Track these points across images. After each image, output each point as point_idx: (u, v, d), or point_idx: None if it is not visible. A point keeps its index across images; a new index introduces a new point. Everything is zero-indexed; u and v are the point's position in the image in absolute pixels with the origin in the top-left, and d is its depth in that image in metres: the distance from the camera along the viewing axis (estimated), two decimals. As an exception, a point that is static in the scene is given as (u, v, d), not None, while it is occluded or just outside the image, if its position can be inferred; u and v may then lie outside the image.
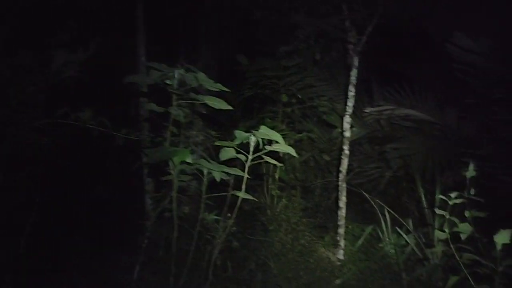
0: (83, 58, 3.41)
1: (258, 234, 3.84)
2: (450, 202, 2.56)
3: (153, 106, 2.98)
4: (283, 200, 4.15)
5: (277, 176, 4.38)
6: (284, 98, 4.46)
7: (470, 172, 2.55)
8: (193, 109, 3.43)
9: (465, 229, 2.47)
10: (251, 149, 2.80)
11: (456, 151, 3.74)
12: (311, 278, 3.49)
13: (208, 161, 2.96)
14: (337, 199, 3.88)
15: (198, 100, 2.95)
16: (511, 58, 3.82)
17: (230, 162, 2.92)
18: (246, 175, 2.82)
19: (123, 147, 3.20)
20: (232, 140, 2.85)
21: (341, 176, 3.78)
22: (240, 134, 2.82)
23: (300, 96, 4.46)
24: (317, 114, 4.65)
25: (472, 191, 2.76)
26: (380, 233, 3.77)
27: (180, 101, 2.95)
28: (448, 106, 4.10)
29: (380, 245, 3.72)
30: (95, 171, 4.38)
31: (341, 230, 3.73)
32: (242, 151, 2.83)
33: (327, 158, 4.62)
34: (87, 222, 3.89)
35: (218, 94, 3.05)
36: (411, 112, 4.08)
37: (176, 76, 2.86)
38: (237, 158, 2.85)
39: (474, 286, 2.20)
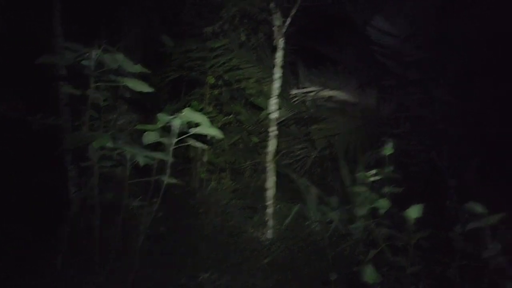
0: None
1: (188, 218, 3.80)
2: (369, 179, 2.67)
3: (70, 89, 2.81)
4: (212, 183, 4.13)
5: (205, 159, 4.35)
6: (211, 80, 4.41)
7: (388, 150, 2.67)
8: (115, 92, 3.29)
9: (382, 204, 2.58)
10: (175, 132, 2.73)
11: (376, 130, 3.92)
12: (241, 259, 3.53)
13: (132, 146, 2.85)
14: (265, 180, 3.93)
15: (117, 82, 2.82)
16: (426, 41, 4.05)
17: (157, 147, 2.84)
18: (170, 159, 2.75)
19: (42, 132, 3.00)
20: (155, 124, 2.76)
21: (269, 157, 3.82)
22: (163, 117, 2.74)
23: (227, 78, 4.42)
24: (244, 96, 4.65)
25: (390, 168, 2.88)
26: (306, 212, 3.87)
27: (98, 84, 2.80)
28: (369, 87, 4.27)
29: (307, 223, 3.83)
30: (11, 158, 4.07)
31: (270, 210, 3.79)
32: (167, 134, 2.76)
33: (255, 140, 4.66)
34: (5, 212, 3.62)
35: (143, 77, 2.94)
36: (335, 94, 4.20)
37: (93, 57, 2.70)
38: (163, 142, 2.78)
39: (391, 258, 2.33)
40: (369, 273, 2.02)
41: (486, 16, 3.93)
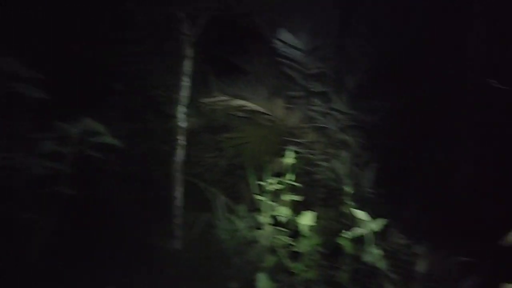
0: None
1: (88, 231, 3.63)
2: (270, 188, 2.73)
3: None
4: (118, 193, 3.99)
5: (112, 169, 4.19)
6: (119, 87, 4.27)
7: (289, 159, 2.75)
8: (10, 98, 3.08)
9: (283, 212, 2.66)
10: (73, 141, 2.62)
11: (283, 139, 4.04)
12: (146, 271, 3.44)
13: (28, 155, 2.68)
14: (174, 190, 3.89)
15: (11, 88, 2.65)
16: (328, 54, 4.28)
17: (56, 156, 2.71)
18: (68, 169, 2.63)
19: None
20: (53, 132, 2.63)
21: (177, 167, 3.79)
22: (61, 126, 2.62)
23: (136, 86, 4.32)
24: (154, 104, 4.56)
25: (291, 177, 2.97)
26: (215, 221, 3.88)
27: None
28: (277, 97, 4.39)
29: (214, 232, 3.83)
30: None
31: (177, 220, 3.75)
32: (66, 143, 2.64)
33: (166, 148, 4.57)
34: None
35: (41, 82, 2.78)
36: (245, 103, 4.26)
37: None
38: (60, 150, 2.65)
39: (289, 264, 2.40)
40: (262, 281, 2.06)
41: (384, 31, 4.23)
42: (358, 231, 2.06)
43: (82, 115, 3.65)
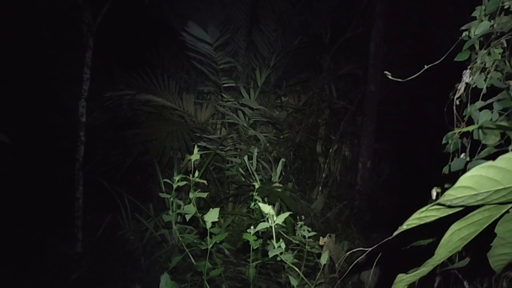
0: None
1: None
2: (174, 185, 2.64)
3: None
4: (14, 194, 3.64)
5: (3, 168, 3.81)
6: (11, 78, 3.89)
7: (195, 155, 2.67)
8: None
9: (189, 209, 2.57)
10: None
11: (193, 136, 3.95)
12: (44, 278, 3.18)
13: None
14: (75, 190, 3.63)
15: None
16: (238, 49, 4.26)
17: None
18: None
19: None
20: None
21: (78, 165, 3.54)
22: None
23: (30, 77, 3.96)
24: (54, 97, 4.23)
25: (197, 174, 2.88)
26: (120, 221, 3.69)
27: None
28: (188, 92, 4.28)
29: (120, 233, 3.65)
30: None
31: (79, 222, 3.51)
32: None
33: (67, 145, 4.27)
34: None
35: None
36: (152, 98, 4.10)
37: None
38: None
39: (194, 263, 2.33)
40: (164, 282, 1.98)
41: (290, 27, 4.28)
42: (261, 225, 2.04)
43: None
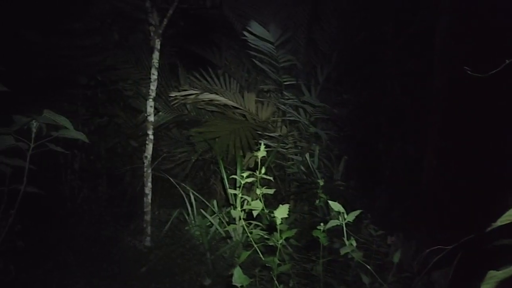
0: None
1: (54, 230, 3.49)
2: (242, 182, 2.68)
3: None
4: (85, 190, 3.85)
5: (77, 166, 4.05)
6: (83, 80, 4.11)
7: (261, 152, 2.70)
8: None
9: (256, 206, 2.60)
10: (33, 136, 2.48)
11: (255, 133, 4.01)
12: (116, 270, 3.34)
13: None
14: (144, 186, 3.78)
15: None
16: (299, 47, 4.26)
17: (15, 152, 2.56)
18: (27, 165, 2.50)
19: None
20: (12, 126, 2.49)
21: (146, 162, 3.68)
22: (19, 119, 2.48)
23: (100, 79, 4.17)
24: (122, 98, 4.43)
25: (263, 170, 2.91)
26: (186, 217, 3.81)
27: None
28: (249, 91, 4.34)
29: (186, 228, 3.76)
30: None
31: (147, 217, 3.66)
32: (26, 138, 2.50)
33: (134, 144, 4.45)
34: None
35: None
36: (215, 97, 4.19)
37: None
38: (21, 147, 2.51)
39: (263, 258, 2.36)
40: (237, 276, 2.02)
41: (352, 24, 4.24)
42: (332, 223, 2.03)
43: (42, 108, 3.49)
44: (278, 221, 2.18)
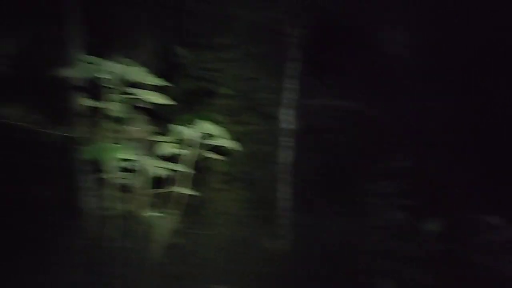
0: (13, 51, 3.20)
1: (202, 229, 3.81)
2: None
3: (86, 101, 2.87)
4: (226, 193, 4.13)
5: (220, 170, 4.35)
6: (224, 91, 4.42)
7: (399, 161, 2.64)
8: (132, 103, 3.35)
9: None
10: (194, 143, 2.78)
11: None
12: (255, 270, 3.52)
13: (149, 157, 2.90)
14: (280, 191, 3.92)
15: (137, 95, 2.87)
16: (429, 50, 4.04)
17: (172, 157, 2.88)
18: (191, 170, 2.80)
19: (54, 144, 3.04)
20: (171, 135, 2.81)
21: (283, 168, 3.83)
22: (177, 128, 2.80)
23: (240, 89, 4.43)
24: (258, 106, 4.65)
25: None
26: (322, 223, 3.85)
27: (115, 96, 2.85)
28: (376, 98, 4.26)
29: (323, 234, 3.80)
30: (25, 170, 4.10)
31: (283, 221, 3.78)
32: (182, 145, 2.80)
33: (270, 150, 4.64)
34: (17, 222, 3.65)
35: (157, 88, 2.98)
36: (345, 104, 4.20)
37: (114, 70, 2.76)
38: (177, 153, 2.83)
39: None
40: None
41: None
42: (488, 237, 1.91)
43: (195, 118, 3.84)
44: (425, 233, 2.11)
